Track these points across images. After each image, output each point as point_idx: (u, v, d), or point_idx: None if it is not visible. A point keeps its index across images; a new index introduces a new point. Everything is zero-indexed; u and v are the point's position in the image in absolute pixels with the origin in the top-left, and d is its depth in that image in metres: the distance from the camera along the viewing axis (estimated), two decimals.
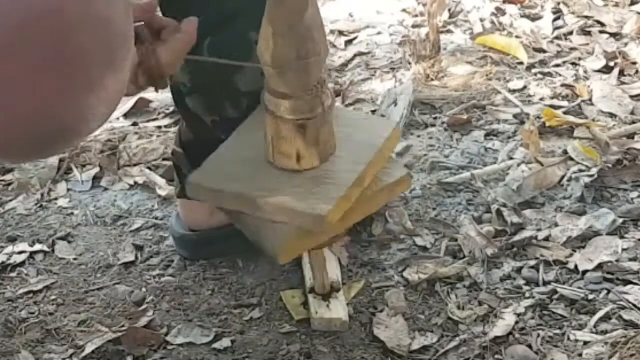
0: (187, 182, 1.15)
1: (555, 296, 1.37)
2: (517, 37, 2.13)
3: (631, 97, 1.88)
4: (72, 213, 1.56)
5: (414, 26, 2.17)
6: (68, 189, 1.62)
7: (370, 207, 1.22)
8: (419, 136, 1.77)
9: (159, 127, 1.80)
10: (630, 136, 1.75)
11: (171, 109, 1.86)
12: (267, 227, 1.11)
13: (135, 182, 1.64)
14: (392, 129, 1.21)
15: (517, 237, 1.47)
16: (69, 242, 1.50)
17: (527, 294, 1.37)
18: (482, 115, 1.84)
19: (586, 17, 2.22)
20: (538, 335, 1.29)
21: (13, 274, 1.43)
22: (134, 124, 1.81)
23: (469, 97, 1.90)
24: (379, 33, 2.16)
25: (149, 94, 1.90)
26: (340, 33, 2.18)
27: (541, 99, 1.89)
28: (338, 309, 1.32)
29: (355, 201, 1.13)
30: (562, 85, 1.94)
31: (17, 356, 1.26)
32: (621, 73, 1.98)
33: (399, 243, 1.49)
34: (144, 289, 1.40)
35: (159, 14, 1.09)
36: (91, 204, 1.58)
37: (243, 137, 1.20)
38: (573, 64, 2.04)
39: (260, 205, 1.10)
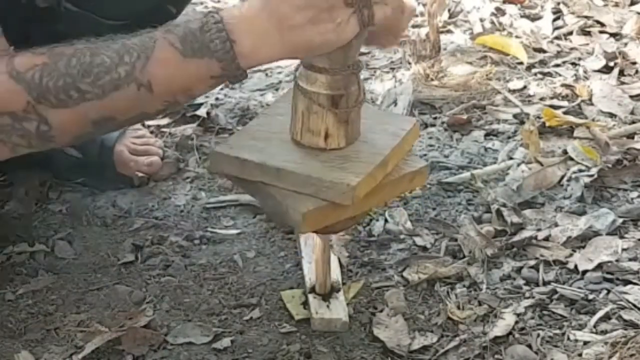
0: (211, 152, 1.16)
1: (555, 296, 1.37)
2: (517, 37, 2.13)
3: (631, 97, 1.88)
4: (72, 213, 1.56)
5: (414, 26, 2.17)
6: (68, 189, 1.62)
7: (390, 194, 1.24)
8: (419, 136, 1.77)
9: (159, 126, 1.80)
10: (630, 136, 1.75)
11: None
12: (290, 197, 1.12)
13: None
14: (412, 123, 1.23)
15: (517, 237, 1.47)
16: (69, 242, 1.50)
17: (527, 294, 1.37)
18: (482, 115, 1.84)
19: (586, 17, 2.22)
20: (538, 335, 1.29)
21: (13, 274, 1.42)
22: None
23: (469, 97, 1.90)
24: None
25: None
26: None
27: (541, 99, 1.89)
28: (338, 309, 1.32)
29: (377, 185, 1.15)
30: (562, 85, 1.94)
31: (17, 356, 1.26)
32: (621, 73, 1.98)
33: (399, 243, 1.49)
34: (144, 289, 1.40)
35: None
36: (91, 204, 1.58)
37: (270, 117, 1.22)
38: (573, 64, 2.04)
39: (286, 176, 1.12)
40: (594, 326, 1.30)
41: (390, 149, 1.17)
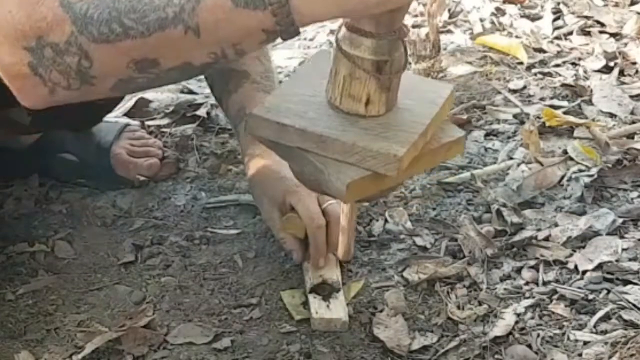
0: (249, 115, 1.11)
1: (555, 296, 1.37)
2: (517, 37, 2.13)
3: (631, 97, 1.89)
4: (72, 213, 1.56)
5: (414, 26, 2.17)
6: (68, 189, 1.62)
7: (428, 163, 1.19)
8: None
9: (159, 126, 1.80)
10: (630, 136, 1.75)
11: (171, 108, 1.86)
12: (332, 165, 1.08)
13: None
14: (450, 90, 1.19)
15: (517, 237, 1.47)
16: (69, 242, 1.50)
17: (527, 294, 1.37)
18: (482, 115, 1.84)
19: (586, 17, 2.22)
20: (538, 335, 1.29)
21: (13, 274, 1.43)
22: None
23: (469, 97, 1.90)
24: None
25: (148, 94, 1.90)
26: None
27: (541, 99, 1.89)
28: (338, 309, 1.32)
29: (418, 156, 1.11)
30: (562, 85, 1.94)
31: (17, 356, 1.26)
32: (621, 73, 1.98)
33: (399, 243, 1.49)
34: (144, 289, 1.40)
35: None
36: (91, 204, 1.58)
37: (301, 80, 1.18)
38: (573, 64, 2.04)
39: (329, 143, 1.08)
40: (594, 326, 1.30)
41: (430, 118, 1.13)
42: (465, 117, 1.82)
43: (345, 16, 1.04)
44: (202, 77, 1.61)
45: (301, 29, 1.00)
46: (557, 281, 1.40)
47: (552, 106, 1.84)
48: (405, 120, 1.11)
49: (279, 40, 1.03)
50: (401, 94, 1.13)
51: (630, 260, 1.43)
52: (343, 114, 1.10)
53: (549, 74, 1.99)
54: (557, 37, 2.15)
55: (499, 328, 1.30)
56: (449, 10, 2.27)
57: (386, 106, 1.11)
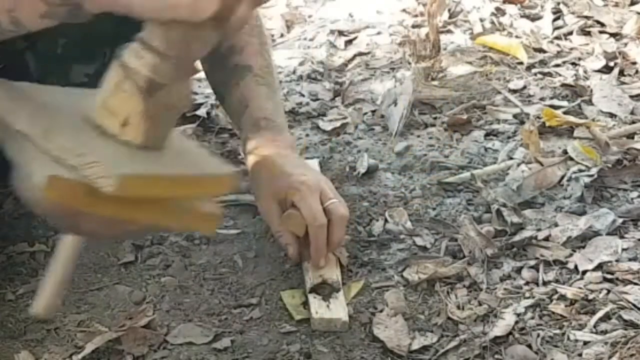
0: None
1: (555, 296, 1.37)
2: (517, 37, 2.13)
3: (631, 97, 1.88)
4: None
5: (414, 26, 2.17)
6: None
7: (171, 222, 1.02)
8: (419, 136, 1.78)
9: None
10: (630, 136, 1.75)
11: None
12: (46, 159, 0.93)
13: None
14: (228, 171, 1.02)
15: (517, 237, 1.47)
16: None
17: (527, 294, 1.37)
18: (482, 115, 1.84)
19: (586, 17, 2.22)
20: (538, 335, 1.29)
21: (13, 274, 1.42)
22: None
23: (469, 97, 1.90)
24: (379, 33, 2.17)
25: None
26: (340, 33, 2.18)
27: (541, 99, 1.89)
28: (338, 309, 1.32)
29: (155, 202, 0.96)
30: (562, 85, 1.94)
31: (17, 356, 1.26)
32: (621, 73, 1.98)
33: (399, 243, 1.49)
34: (144, 289, 1.40)
35: None
36: None
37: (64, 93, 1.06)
38: (573, 64, 2.04)
39: (54, 134, 0.93)
40: (594, 326, 1.30)
41: (184, 174, 0.98)
42: (465, 117, 1.82)
43: (131, 11, 0.90)
44: (202, 77, 1.61)
45: (90, 11, 0.89)
46: (557, 281, 1.40)
47: (552, 106, 1.84)
48: (155, 160, 0.96)
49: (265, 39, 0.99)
50: (173, 151, 1.00)
51: (630, 260, 1.43)
52: (93, 124, 0.96)
53: (549, 74, 1.99)
54: (557, 37, 2.15)
55: (499, 328, 1.30)
56: (449, 10, 2.27)
57: (144, 139, 0.96)
